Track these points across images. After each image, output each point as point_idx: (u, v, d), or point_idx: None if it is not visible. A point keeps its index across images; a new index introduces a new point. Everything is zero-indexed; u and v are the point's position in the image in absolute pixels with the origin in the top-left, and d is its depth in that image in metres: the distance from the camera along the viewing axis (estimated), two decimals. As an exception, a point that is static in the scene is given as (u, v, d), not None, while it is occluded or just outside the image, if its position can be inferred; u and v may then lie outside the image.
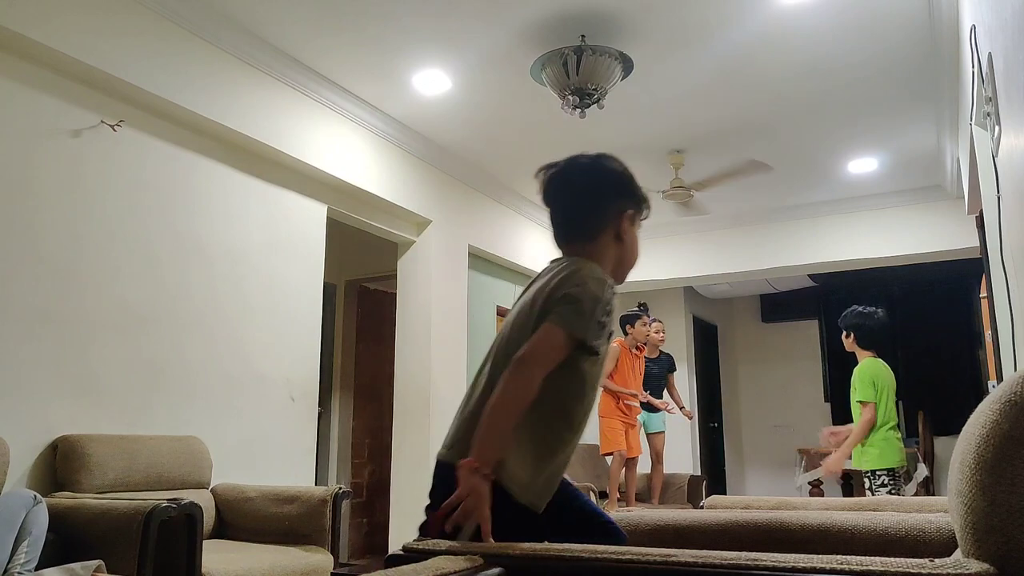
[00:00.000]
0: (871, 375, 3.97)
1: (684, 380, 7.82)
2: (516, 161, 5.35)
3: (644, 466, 5.52)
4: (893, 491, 3.88)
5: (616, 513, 1.99)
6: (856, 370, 4.03)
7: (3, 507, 2.21)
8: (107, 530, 2.35)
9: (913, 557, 0.95)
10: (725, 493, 8.31)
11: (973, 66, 2.81)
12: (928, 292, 7.97)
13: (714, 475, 8.31)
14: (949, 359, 7.79)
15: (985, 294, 4.38)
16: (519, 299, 1.67)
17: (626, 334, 5.21)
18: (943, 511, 1.77)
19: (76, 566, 2.15)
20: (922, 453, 6.66)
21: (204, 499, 3.06)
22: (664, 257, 6.82)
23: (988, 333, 4.45)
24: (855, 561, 0.94)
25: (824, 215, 6.31)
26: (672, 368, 5.83)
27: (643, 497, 5.62)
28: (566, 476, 1.65)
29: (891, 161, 5.42)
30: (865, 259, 6.20)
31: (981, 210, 4.07)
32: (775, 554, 1.02)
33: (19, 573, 2.13)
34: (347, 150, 4.33)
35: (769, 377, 8.92)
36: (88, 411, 2.98)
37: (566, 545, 1.18)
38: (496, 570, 1.09)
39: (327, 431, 5.57)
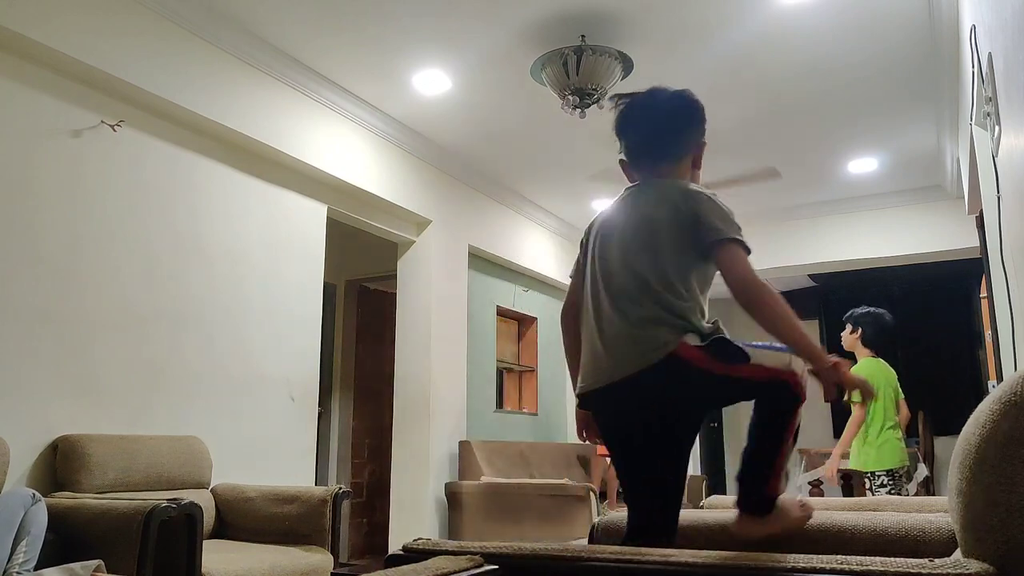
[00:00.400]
0: (866, 374, 3.97)
1: (684, 380, 7.82)
2: (516, 161, 5.35)
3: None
4: (893, 492, 3.88)
5: (616, 513, 1.99)
6: (852, 369, 4.03)
7: (2, 506, 2.20)
8: (107, 530, 2.35)
9: (913, 557, 0.95)
10: (725, 493, 8.30)
11: (973, 66, 2.81)
12: (928, 292, 7.97)
13: (714, 475, 8.31)
14: (949, 359, 7.79)
15: (985, 294, 4.38)
16: (614, 224, 1.80)
17: None
18: (943, 511, 1.77)
19: (76, 566, 2.14)
20: (922, 453, 6.66)
21: (204, 499, 3.06)
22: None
23: (988, 333, 4.44)
24: (855, 561, 0.94)
25: (824, 215, 6.31)
26: None
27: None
28: None
29: (891, 161, 5.42)
30: (865, 259, 6.20)
31: (981, 210, 4.07)
32: (775, 554, 1.02)
33: (18, 573, 2.12)
34: (347, 150, 4.33)
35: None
36: (88, 411, 2.98)
37: (566, 545, 1.18)
38: (495, 569, 1.09)
39: (327, 431, 5.57)
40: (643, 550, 1.10)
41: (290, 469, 3.86)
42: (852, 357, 4.09)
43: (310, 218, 4.20)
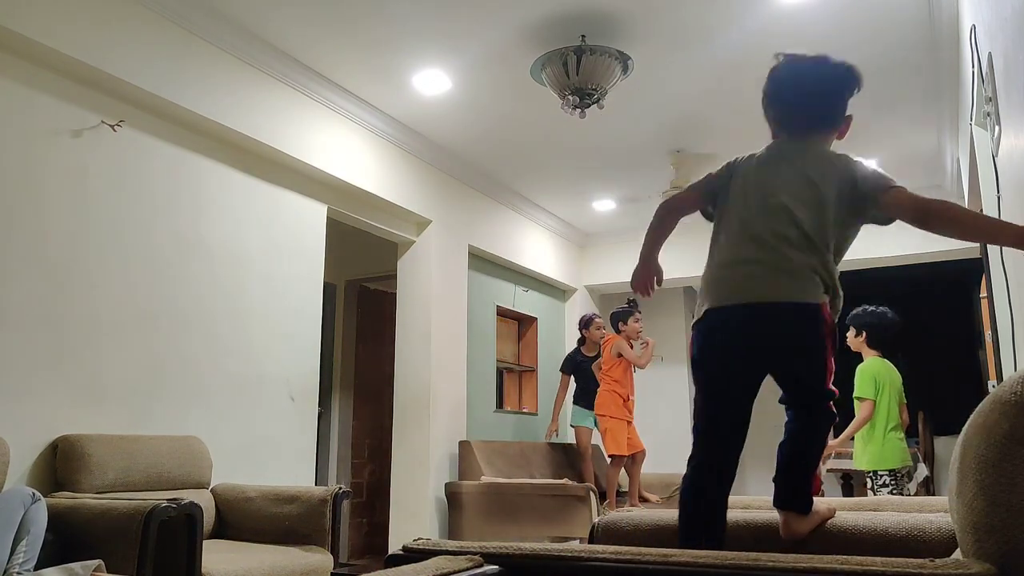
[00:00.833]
0: (872, 373, 3.98)
1: (684, 381, 7.83)
2: (516, 161, 5.35)
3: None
4: (895, 491, 3.88)
5: (616, 513, 1.99)
6: (859, 368, 4.04)
7: (2, 505, 2.20)
8: (107, 530, 2.35)
9: (913, 557, 0.95)
10: (725, 493, 8.28)
11: (973, 66, 2.81)
12: (928, 292, 7.96)
13: (714, 475, 8.29)
14: (949, 359, 7.79)
15: (985, 294, 4.37)
16: (776, 172, 1.90)
17: (618, 331, 5.22)
18: (943, 511, 1.77)
19: (76, 566, 2.14)
20: (922, 453, 6.65)
21: (204, 499, 3.06)
22: (664, 257, 6.79)
23: (988, 333, 4.44)
24: (855, 561, 0.94)
25: (824, 215, 6.29)
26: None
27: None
28: None
29: (891, 161, 5.41)
30: (865, 259, 6.19)
31: (981, 210, 4.06)
32: (775, 554, 1.02)
33: (18, 573, 2.12)
34: (347, 150, 4.33)
35: (769, 377, 8.90)
36: (88, 411, 2.97)
37: (565, 545, 1.18)
38: (495, 569, 1.09)
39: (327, 431, 5.57)
40: (643, 550, 1.10)
41: (290, 469, 3.85)
42: (858, 358, 4.10)
43: (310, 218, 4.20)
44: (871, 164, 1.89)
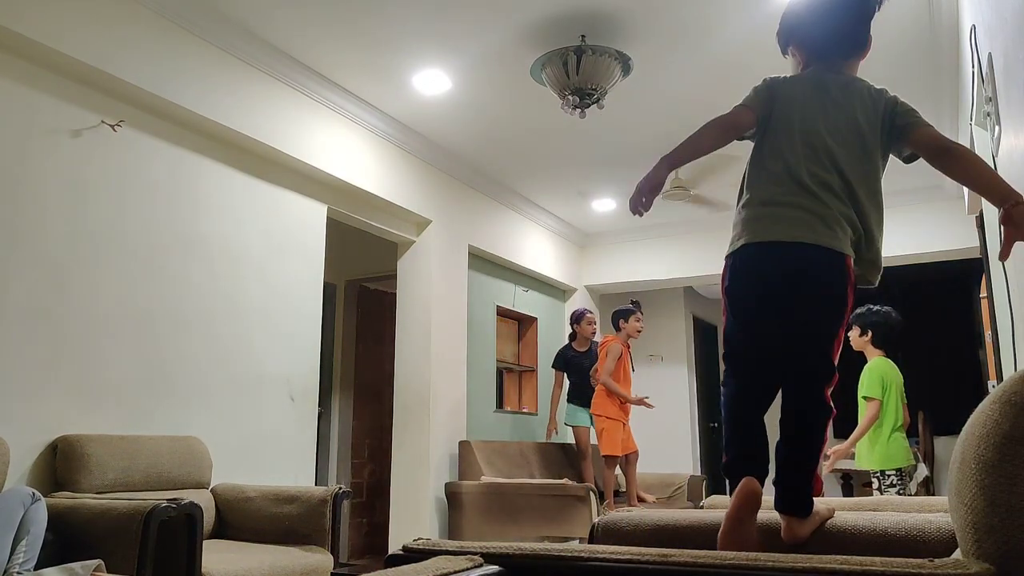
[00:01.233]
0: (880, 373, 3.98)
1: (684, 380, 7.83)
2: (516, 161, 5.35)
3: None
4: (901, 491, 3.90)
5: (616, 513, 1.99)
6: (866, 368, 4.04)
7: (1, 505, 2.20)
8: (107, 530, 2.35)
9: (913, 557, 0.95)
10: (725, 493, 8.30)
11: (973, 66, 2.81)
12: (928, 292, 7.96)
13: (714, 475, 8.31)
14: (949, 359, 7.79)
15: (985, 294, 4.37)
16: (818, 105, 1.92)
17: (618, 329, 5.21)
18: (943, 511, 1.77)
19: (76, 566, 2.14)
20: (922, 453, 6.66)
21: (204, 499, 3.06)
22: (664, 257, 6.81)
23: (988, 333, 4.44)
24: (855, 561, 0.94)
25: (824, 215, 6.29)
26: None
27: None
28: None
29: (891, 161, 5.41)
30: (865, 259, 6.18)
31: (981, 210, 4.07)
32: (775, 554, 1.02)
33: (18, 572, 2.12)
34: (347, 150, 4.33)
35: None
36: (88, 411, 2.98)
37: (565, 545, 1.18)
38: (496, 569, 1.09)
39: (327, 431, 5.57)
40: (642, 550, 1.10)
41: (290, 469, 3.86)
42: (857, 358, 4.10)
43: (310, 218, 4.20)
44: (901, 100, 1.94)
